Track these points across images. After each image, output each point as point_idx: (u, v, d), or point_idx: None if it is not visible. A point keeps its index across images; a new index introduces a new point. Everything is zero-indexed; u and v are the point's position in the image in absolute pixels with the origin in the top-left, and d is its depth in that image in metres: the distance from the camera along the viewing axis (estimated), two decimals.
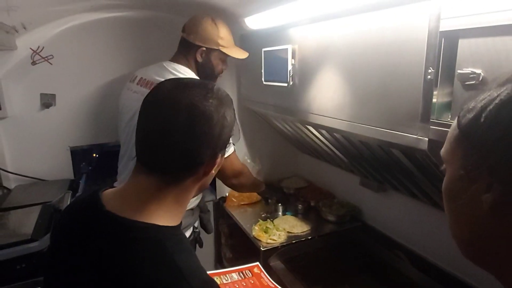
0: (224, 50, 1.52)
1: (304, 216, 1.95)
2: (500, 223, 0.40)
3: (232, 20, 1.69)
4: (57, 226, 0.81)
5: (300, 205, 1.99)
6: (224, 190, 2.21)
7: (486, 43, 0.78)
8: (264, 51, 1.65)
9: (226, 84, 2.16)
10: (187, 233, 1.56)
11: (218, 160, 0.73)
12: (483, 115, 0.40)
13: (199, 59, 1.51)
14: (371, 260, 1.68)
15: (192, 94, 0.67)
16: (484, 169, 0.40)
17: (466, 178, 0.42)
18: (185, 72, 1.46)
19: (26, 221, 1.35)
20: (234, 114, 0.76)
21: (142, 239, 0.64)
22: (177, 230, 0.71)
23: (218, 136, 0.69)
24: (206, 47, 1.49)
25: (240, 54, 1.60)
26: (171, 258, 0.62)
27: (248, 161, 2.22)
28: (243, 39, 1.90)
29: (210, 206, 2.21)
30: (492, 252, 0.43)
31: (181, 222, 0.74)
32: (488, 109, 0.39)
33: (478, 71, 0.80)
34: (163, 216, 0.69)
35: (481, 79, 0.79)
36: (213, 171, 0.74)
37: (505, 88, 0.39)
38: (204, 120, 0.66)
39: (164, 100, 0.67)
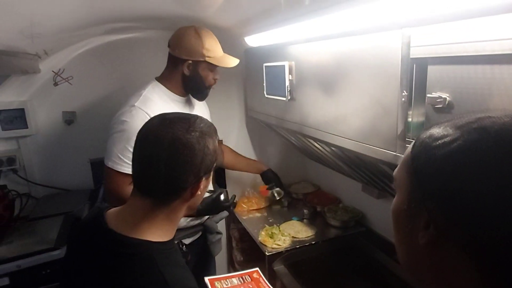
0: (211, 60, 1.46)
1: (310, 221, 2.02)
2: (431, 257, 0.44)
3: (233, 37, 1.78)
4: (70, 240, 0.94)
5: (306, 210, 2.06)
6: None
7: (452, 70, 0.84)
8: (265, 66, 1.73)
9: (234, 95, 2.28)
10: None
11: (203, 183, 0.84)
12: (431, 160, 0.43)
13: (187, 72, 1.47)
14: (373, 265, 1.73)
15: (176, 129, 0.77)
16: (424, 210, 0.43)
17: (407, 213, 0.47)
18: (149, 93, 1.45)
19: (50, 230, 1.51)
20: (217, 141, 0.86)
21: (135, 254, 0.76)
22: (167, 245, 0.82)
23: (200, 163, 0.79)
24: (192, 60, 1.45)
25: (229, 62, 1.53)
26: (159, 270, 0.73)
27: None
28: (247, 53, 2.00)
29: (222, 227, 2.30)
30: (423, 277, 0.48)
31: (173, 237, 0.85)
32: (438, 154, 0.42)
33: (444, 95, 0.85)
34: (155, 233, 0.80)
35: (447, 103, 0.85)
36: (199, 192, 0.84)
37: (457, 136, 0.42)
38: (187, 150, 0.77)
39: (150, 136, 0.79)
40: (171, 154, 0.76)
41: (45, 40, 1.67)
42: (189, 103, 1.61)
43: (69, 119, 1.95)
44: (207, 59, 1.46)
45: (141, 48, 2.01)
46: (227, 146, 2.07)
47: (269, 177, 2.03)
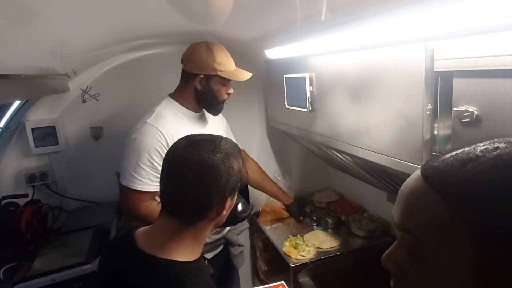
0: (223, 74, 1.45)
1: (334, 231, 2.00)
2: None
3: (253, 50, 1.80)
4: (102, 257, 0.98)
5: (330, 220, 2.04)
6: (257, 205, 2.32)
7: (479, 84, 0.82)
8: (285, 77, 1.74)
9: (255, 105, 2.30)
10: None
11: (228, 202, 0.85)
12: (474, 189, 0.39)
13: (199, 87, 1.46)
14: None
15: (201, 151, 0.80)
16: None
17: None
18: (162, 110, 1.46)
19: (81, 243, 1.57)
20: (242, 160, 0.87)
21: (164, 274, 0.78)
22: (194, 264, 0.84)
23: (225, 184, 0.81)
24: (204, 74, 1.45)
25: (241, 76, 1.51)
26: None
27: (278, 177, 2.31)
28: (267, 64, 2.01)
29: (245, 237, 2.31)
30: None
31: (200, 256, 0.87)
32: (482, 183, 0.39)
33: (471, 109, 0.83)
34: (183, 253, 0.82)
35: (475, 117, 0.83)
36: (224, 212, 0.86)
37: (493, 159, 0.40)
38: (212, 172, 0.79)
39: (177, 158, 0.81)
40: (197, 176, 0.78)
41: (74, 60, 1.74)
42: (202, 118, 1.61)
43: (97, 134, 2.03)
44: (218, 73, 1.44)
45: (164, 63, 2.06)
46: (255, 162, 2.00)
47: (293, 211, 2.04)
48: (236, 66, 1.54)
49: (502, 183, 0.38)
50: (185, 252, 0.83)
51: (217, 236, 1.65)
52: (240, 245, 1.80)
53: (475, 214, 0.39)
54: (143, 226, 0.91)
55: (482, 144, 0.43)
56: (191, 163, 0.78)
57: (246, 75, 1.53)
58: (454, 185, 0.41)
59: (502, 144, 0.42)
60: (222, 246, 1.73)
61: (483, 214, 0.38)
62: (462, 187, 0.40)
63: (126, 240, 0.87)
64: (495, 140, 0.43)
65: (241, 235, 1.89)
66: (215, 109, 1.56)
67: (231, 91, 1.54)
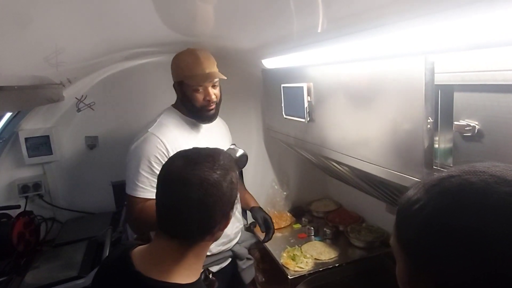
0: (185, 79, 1.41)
1: (332, 241, 1.97)
2: None
3: (251, 59, 1.78)
4: (96, 279, 0.93)
5: (328, 230, 2.01)
6: None
7: (480, 98, 0.80)
8: (283, 86, 1.72)
9: (252, 114, 2.28)
10: None
11: (230, 217, 0.83)
12: (412, 231, 0.48)
13: (178, 94, 1.49)
14: None
15: (202, 170, 0.77)
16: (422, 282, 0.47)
17: (411, 285, 0.50)
18: (163, 119, 1.45)
19: (74, 257, 1.53)
20: (238, 172, 0.85)
21: None
22: (196, 286, 0.80)
23: (228, 200, 0.80)
24: (176, 82, 1.47)
25: (206, 80, 1.41)
26: None
27: (276, 187, 2.29)
28: (264, 73, 1.99)
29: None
30: None
31: (200, 276, 0.84)
32: (415, 223, 0.47)
33: (473, 123, 0.82)
34: (183, 274, 0.79)
35: (477, 132, 0.81)
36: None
37: (426, 201, 0.46)
38: (215, 190, 0.77)
39: (176, 178, 0.78)
40: (202, 196, 0.75)
41: (69, 69, 1.72)
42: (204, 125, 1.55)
43: (92, 143, 2.00)
44: (182, 78, 1.42)
45: (160, 72, 2.03)
46: None
47: (257, 216, 1.71)
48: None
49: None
50: (185, 273, 0.79)
51: (223, 248, 1.59)
52: (248, 259, 1.72)
53: (399, 236, 0.51)
54: (140, 246, 0.88)
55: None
56: (194, 184, 0.75)
57: (215, 77, 1.44)
58: (398, 212, 0.52)
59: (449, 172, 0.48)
60: (229, 260, 1.67)
61: (399, 236, 0.51)
62: (400, 215, 0.52)
63: (122, 261, 0.83)
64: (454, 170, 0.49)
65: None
66: (200, 117, 1.49)
67: (210, 97, 1.44)
